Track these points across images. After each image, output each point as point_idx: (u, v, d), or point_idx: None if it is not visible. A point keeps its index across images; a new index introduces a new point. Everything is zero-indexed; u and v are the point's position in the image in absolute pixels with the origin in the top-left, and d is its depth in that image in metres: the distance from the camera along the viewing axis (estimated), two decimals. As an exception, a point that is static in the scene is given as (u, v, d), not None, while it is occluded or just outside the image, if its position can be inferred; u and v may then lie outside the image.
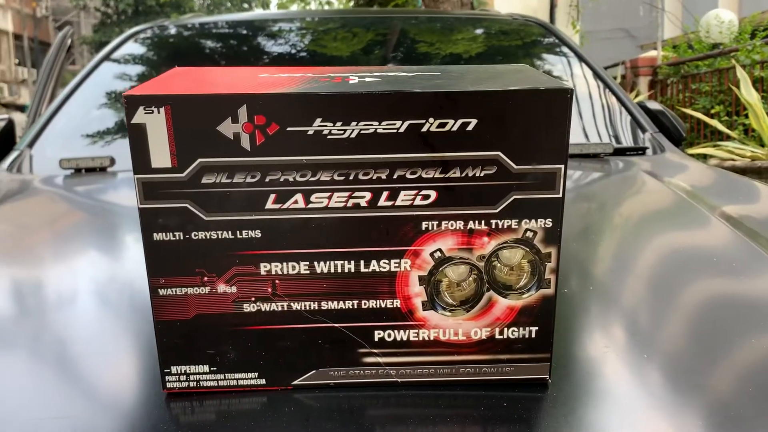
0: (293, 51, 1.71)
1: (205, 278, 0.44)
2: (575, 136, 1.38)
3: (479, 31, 1.83)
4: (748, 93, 4.06)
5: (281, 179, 0.42)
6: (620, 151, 1.35)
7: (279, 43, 1.76)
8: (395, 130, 0.42)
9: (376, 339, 0.46)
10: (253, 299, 0.45)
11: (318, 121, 0.41)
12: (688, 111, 5.12)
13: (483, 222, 0.44)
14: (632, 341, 0.55)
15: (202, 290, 0.44)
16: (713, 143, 4.54)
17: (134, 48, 1.76)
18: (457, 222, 0.44)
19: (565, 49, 1.73)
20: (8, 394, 0.48)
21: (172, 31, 1.80)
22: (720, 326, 0.57)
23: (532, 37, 1.80)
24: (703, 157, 4.27)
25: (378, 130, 0.41)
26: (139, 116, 0.41)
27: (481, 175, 0.43)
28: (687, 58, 6.20)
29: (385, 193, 0.43)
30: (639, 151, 1.37)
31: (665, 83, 6.47)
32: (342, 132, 0.41)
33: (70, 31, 2.13)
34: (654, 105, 1.70)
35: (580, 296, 0.62)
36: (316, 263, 0.44)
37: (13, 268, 0.74)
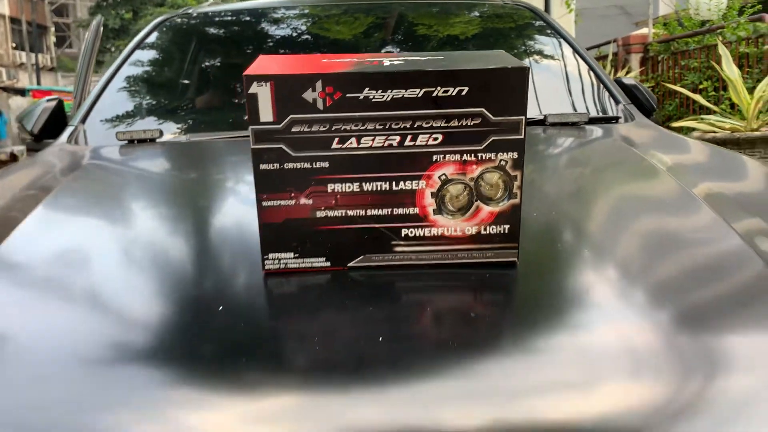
0: (306, 36, 1.94)
1: (292, 194, 0.68)
2: (557, 107, 1.61)
3: (473, 15, 2.05)
4: (729, 69, 4.29)
5: (342, 128, 0.66)
6: (595, 120, 1.58)
7: (292, 28, 1.98)
8: (415, 95, 0.65)
9: (403, 235, 0.70)
10: (322, 208, 0.68)
11: (366, 90, 0.65)
12: (676, 87, 5.34)
13: (473, 155, 0.67)
14: (580, 244, 0.79)
15: (290, 202, 0.68)
16: (697, 117, 4.77)
17: (163, 35, 1.98)
18: (456, 155, 0.67)
19: (550, 31, 1.96)
20: (153, 273, 0.73)
21: (196, 19, 2.02)
22: (648, 234, 0.82)
23: (522, 20, 2.02)
24: (689, 130, 4.50)
25: (404, 95, 0.65)
26: (254, 88, 0.64)
27: (471, 124, 0.66)
28: (676, 35, 6.40)
29: (409, 137, 0.66)
30: (612, 120, 1.61)
31: (656, 60, 6.68)
32: (382, 97, 0.65)
33: (101, 19, 2.34)
34: (628, 80, 1.93)
35: (545, 218, 0.86)
36: (364, 184, 0.68)
37: (132, 210, 0.98)
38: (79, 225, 0.93)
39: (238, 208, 0.94)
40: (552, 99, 1.64)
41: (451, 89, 0.65)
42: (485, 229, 0.70)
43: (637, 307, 0.65)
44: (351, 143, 0.66)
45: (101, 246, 0.83)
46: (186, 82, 1.86)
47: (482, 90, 0.65)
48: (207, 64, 1.94)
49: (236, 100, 1.75)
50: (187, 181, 1.13)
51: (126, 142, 1.48)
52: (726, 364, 0.58)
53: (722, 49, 4.50)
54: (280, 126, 0.65)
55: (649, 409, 0.53)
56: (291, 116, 0.65)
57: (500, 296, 0.71)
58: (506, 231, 0.70)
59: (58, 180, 1.15)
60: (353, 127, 0.66)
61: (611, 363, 0.57)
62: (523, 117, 0.66)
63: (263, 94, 0.64)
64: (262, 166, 0.67)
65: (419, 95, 0.65)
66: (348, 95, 0.65)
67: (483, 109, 0.66)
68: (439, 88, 0.65)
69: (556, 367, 0.57)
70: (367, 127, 0.66)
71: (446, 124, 0.66)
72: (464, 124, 0.66)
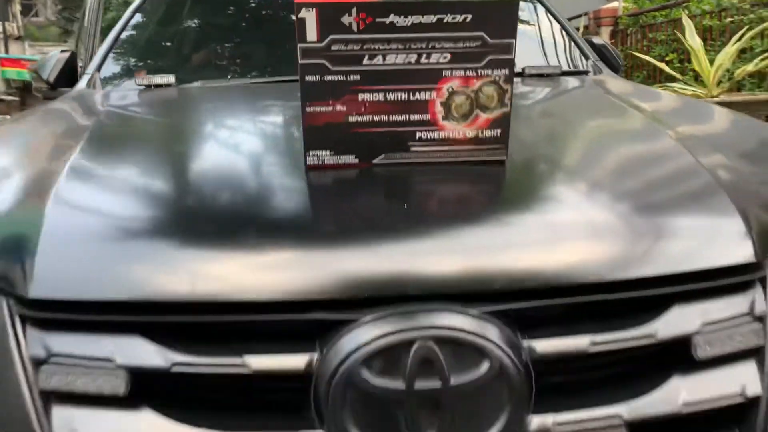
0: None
1: (330, 102, 0.85)
2: (534, 61, 1.79)
3: None
4: (692, 39, 4.52)
5: (371, 47, 0.83)
6: (568, 73, 1.77)
7: None
8: (430, 21, 0.82)
9: (417, 137, 0.87)
10: (354, 113, 0.85)
11: (392, 16, 0.82)
12: (646, 57, 5.57)
13: (474, 71, 0.85)
14: (556, 154, 0.97)
15: (329, 109, 0.85)
16: (662, 85, 5.01)
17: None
18: (461, 71, 0.85)
19: None
20: (213, 169, 0.90)
21: None
22: (612, 150, 1.01)
23: None
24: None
25: (422, 21, 0.82)
26: (302, 13, 0.80)
27: (473, 45, 0.84)
28: (645, 9, 6.63)
29: (424, 55, 0.84)
30: (583, 73, 1.80)
31: (625, 33, 6.90)
32: (404, 22, 0.82)
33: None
34: (598, 40, 2.12)
35: (528, 137, 1.05)
36: (387, 94, 0.85)
37: (175, 129, 1.14)
38: (132, 141, 1.09)
39: (277, 125, 1.11)
40: (529, 55, 1.82)
41: (459, 16, 0.82)
42: (482, 133, 0.88)
43: (600, 197, 0.83)
44: (378, 60, 0.83)
45: (158, 153, 1.00)
46: (192, 34, 2.00)
47: (482, 17, 0.83)
48: (210, 17, 2.08)
49: (238, 51, 1.90)
50: (215, 110, 1.29)
51: (143, 87, 1.63)
52: (667, 234, 0.77)
53: (686, 21, 4.73)
54: (322, 45, 0.82)
55: (605, 258, 0.72)
56: (331, 36, 0.82)
57: (490, 185, 0.89)
58: (498, 134, 0.88)
59: (99, 112, 1.30)
60: (380, 47, 0.83)
61: (575, 229, 0.76)
62: (513, 40, 0.84)
63: (310, 18, 0.81)
64: (307, 78, 0.83)
65: (434, 21, 0.82)
66: (377, 20, 0.82)
67: (482, 33, 0.83)
68: (449, 15, 0.82)
69: (531, 231, 0.76)
70: (391, 46, 0.83)
71: (454, 45, 0.83)
72: (468, 45, 0.84)
